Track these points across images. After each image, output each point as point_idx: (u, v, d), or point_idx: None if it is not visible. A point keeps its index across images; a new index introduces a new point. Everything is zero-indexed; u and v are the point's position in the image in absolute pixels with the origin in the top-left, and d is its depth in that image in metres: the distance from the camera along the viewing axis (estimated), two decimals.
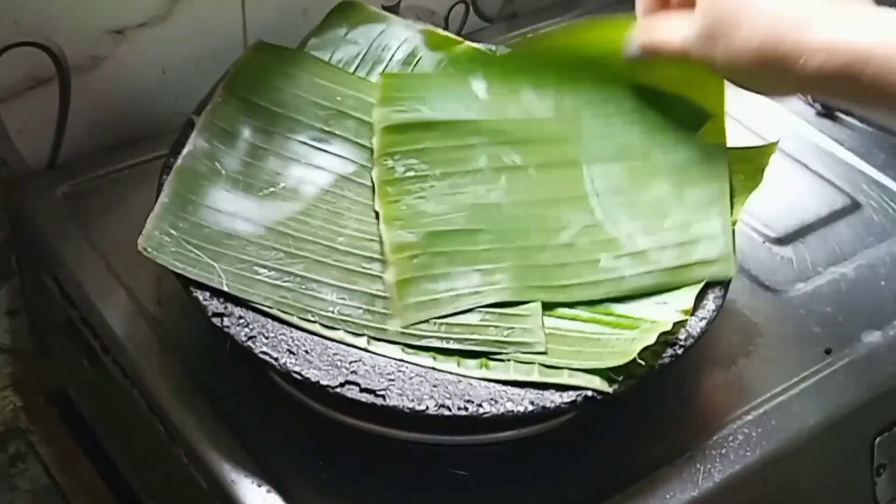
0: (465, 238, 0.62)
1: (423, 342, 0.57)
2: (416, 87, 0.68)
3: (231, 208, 0.62)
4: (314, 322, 0.57)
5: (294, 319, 0.57)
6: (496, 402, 0.55)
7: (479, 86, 0.68)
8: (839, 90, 0.55)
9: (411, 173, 0.65)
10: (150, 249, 0.58)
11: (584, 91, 0.67)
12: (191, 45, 0.75)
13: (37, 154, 0.74)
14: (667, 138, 0.65)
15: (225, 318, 0.57)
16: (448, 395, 0.55)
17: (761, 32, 0.55)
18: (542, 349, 0.57)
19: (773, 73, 0.56)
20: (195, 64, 0.76)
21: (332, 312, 0.58)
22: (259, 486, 0.56)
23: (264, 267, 0.59)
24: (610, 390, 0.55)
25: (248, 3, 0.76)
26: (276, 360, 0.55)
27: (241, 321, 0.57)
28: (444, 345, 0.57)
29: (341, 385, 0.55)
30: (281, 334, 0.57)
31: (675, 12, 0.61)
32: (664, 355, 0.57)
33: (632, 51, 0.63)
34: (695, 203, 0.63)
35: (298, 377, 0.55)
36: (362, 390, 0.55)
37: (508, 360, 0.57)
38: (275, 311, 0.57)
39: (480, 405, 0.54)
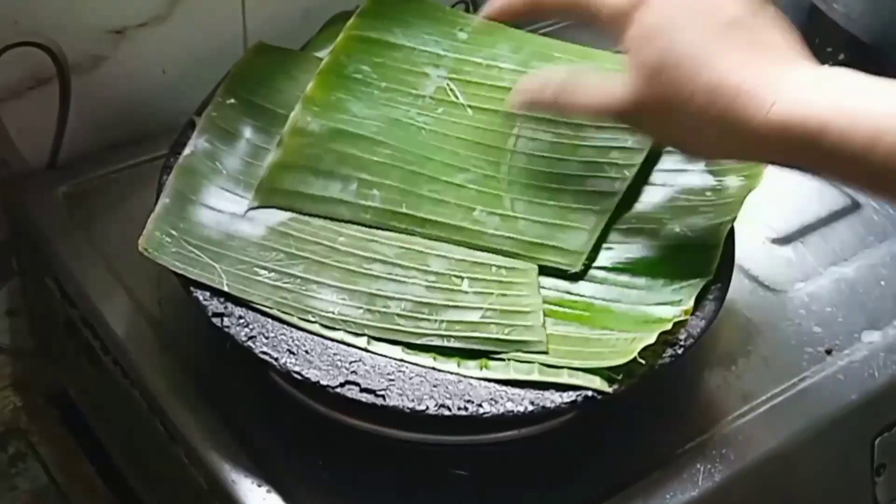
0: (366, 144, 0.65)
1: (424, 340, 0.57)
2: (402, 11, 0.70)
3: (232, 209, 0.62)
4: (314, 322, 0.57)
5: (294, 320, 0.57)
6: (496, 402, 0.55)
7: (464, 29, 0.71)
8: (794, 152, 0.51)
9: (358, 76, 0.67)
10: (150, 250, 0.58)
11: (557, 58, 0.70)
12: (191, 45, 0.75)
13: (37, 154, 0.74)
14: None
15: (225, 318, 0.57)
16: (448, 395, 0.55)
17: (715, 86, 0.51)
18: (543, 348, 0.57)
19: (724, 130, 0.52)
20: (195, 64, 0.76)
21: (333, 313, 0.58)
22: (259, 485, 0.56)
23: (265, 268, 0.59)
24: (610, 390, 0.55)
25: (249, 4, 0.76)
26: (276, 360, 0.55)
27: (241, 321, 0.57)
28: (445, 343, 0.57)
29: (341, 385, 0.55)
30: (281, 334, 0.57)
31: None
32: (664, 355, 0.57)
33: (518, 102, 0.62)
34: (590, 191, 0.64)
35: (298, 377, 0.55)
36: (362, 390, 0.55)
37: (508, 360, 0.57)
38: (275, 312, 0.57)
39: (480, 405, 0.54)
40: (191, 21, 0.74)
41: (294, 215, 0.62)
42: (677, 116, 0.53)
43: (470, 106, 0.67)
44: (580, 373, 0.55)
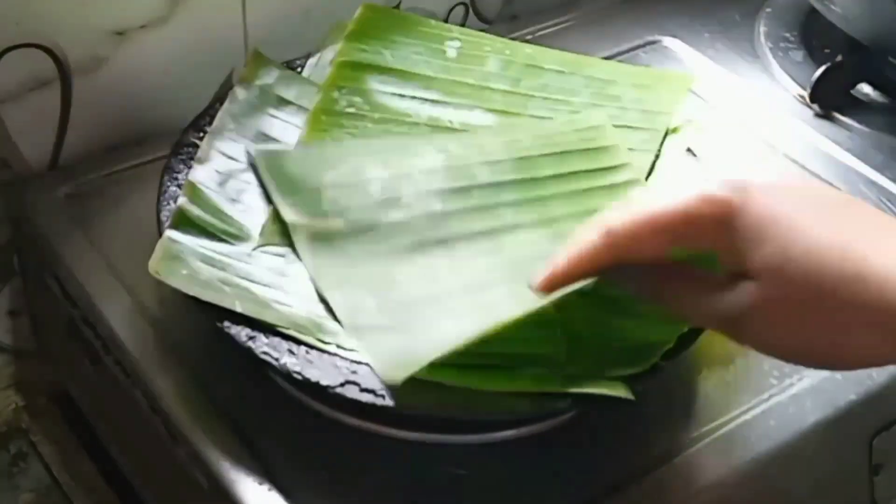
0: None
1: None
2: (389, 29, 0.71)
3: (239, 235, 0.61)
4: (330, 344, 0.57)
5: (312, 340, 0.57)
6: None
7: (452, 45, 0.71)
8: None
9: (351, 110, 0.67)
10: (160, 273, 0.58)
11: (548, 69, 0.71)
12: (192, 46, 0.76)
13: (38, 155, 0.74)
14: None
15: (226, 319, 0.57)
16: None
17: (855, 275, 0.44)
18: (562, 360, 0.56)
19: (877, 326, 0.44)
20: (196, 65, 0.76)
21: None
22: (260, 484, 0.56)
23: (276, 293, 0.59)
24: (634, 398, 0.55)
25: (249, 5, 0.77)
26: (276, 360, 0.55)
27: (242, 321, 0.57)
28: (465, 360, 0.56)
29: (341, 385, 0.55)
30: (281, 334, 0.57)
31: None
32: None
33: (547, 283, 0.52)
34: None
35: (298, 377, 0.55)
36: (362, 390, 0.55)
37: (529, 373, 0.56)
38: (292, 333, 0.57)
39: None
40: (191, 22, 0.75)
41: None
42: (813, 318, 0.45)
43: (465, 131, 0.67)
44: (603, 381, 0.55)
